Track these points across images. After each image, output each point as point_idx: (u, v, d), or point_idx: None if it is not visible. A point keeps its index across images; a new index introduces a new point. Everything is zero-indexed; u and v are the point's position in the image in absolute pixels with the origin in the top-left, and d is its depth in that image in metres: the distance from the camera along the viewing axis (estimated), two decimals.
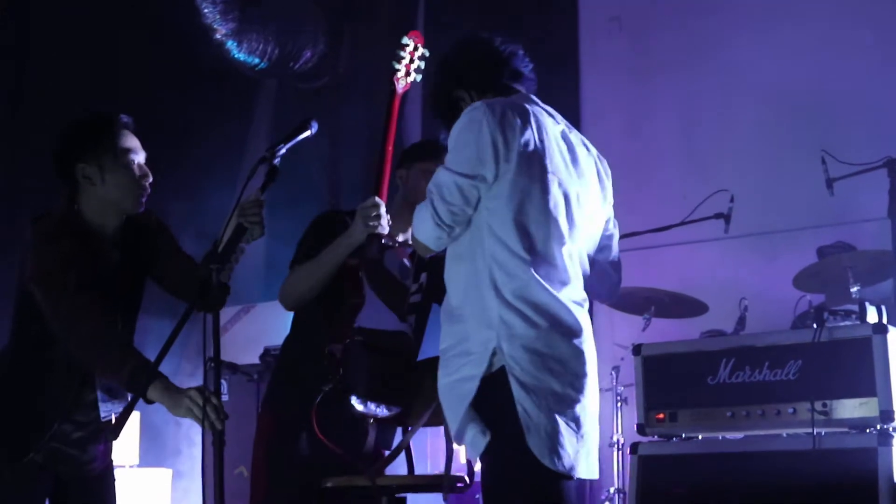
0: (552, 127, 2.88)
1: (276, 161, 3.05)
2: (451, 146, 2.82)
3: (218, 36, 6.64)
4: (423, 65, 3.45)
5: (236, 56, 6.80)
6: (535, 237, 2.75)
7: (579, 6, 7.14)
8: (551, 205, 2.77)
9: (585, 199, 2.91)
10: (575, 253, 2.86)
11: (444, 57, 3.11)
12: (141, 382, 2.93)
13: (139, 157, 3.24)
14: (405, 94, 3.44)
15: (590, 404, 2.81)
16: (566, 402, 2.72)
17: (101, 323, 3.06)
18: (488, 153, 2.74)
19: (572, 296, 2.81)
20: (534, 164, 2.76)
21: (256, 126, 7.45)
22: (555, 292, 2.75)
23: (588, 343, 2.82)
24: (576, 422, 2.73)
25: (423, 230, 2.83)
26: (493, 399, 2.72)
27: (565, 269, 2.79)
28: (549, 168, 2.79)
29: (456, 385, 2.76)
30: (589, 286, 2.99)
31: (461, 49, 3.09)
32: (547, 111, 2.97)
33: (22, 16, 6.16)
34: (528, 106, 2.86)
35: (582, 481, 5.59)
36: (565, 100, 6.73)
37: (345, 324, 3.26)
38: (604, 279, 3.09)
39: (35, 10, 6.21)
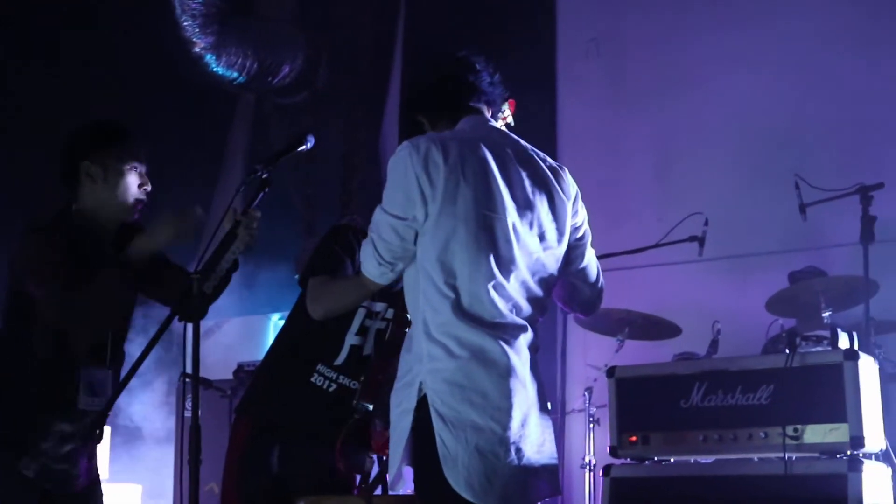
0: (491, 156, 2.84)
1: (266, 175, 3.10)
2: (386, 186, 2.86)
3: (197, 49, 6.64)
4: None
5: (215, 70, 6.80)
6: (459, 274, 2.77)
7: (558, 29, 7.17)
8: (477, 240, 2.77)
9: (530, 226, 2.87)
10: (513, 284, 2.83)
11: (412, 79, 3.13)
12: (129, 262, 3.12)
13: (141, 167, 3.37)
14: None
15: (527, 435, 2.79)
16: (486, 434, 2.73)
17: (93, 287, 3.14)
18: (415, 195, 2.77)
19: (504, 327, 2.80)
20: (458, 201, 2.77)
21: (234, 140, 7.44)
22: (479, 328, 2.76)
23: (520, 376, 2.79)
24: (495, 455, 2.73)
25: (367, 266, 2.90)
26: (417, 431, 2.76)
27: (493, 304, 2.78)
28: (478, 202, 2.78)
29: (398, 418, 2.82)
30: (562, 304, 3.02)
31: (425, 72, 3.12)
32: (498, 132, 2.97)
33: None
34: (463, 138, 2.86)
35: (552, 501, 5.63)
36: (543, 122, 6.78)
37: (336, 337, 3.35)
38: (575, 294, 3.09)
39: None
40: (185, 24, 6.51)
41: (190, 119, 6.80)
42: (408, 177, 2.78)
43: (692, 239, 5.27)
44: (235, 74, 6.92)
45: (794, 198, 4.94)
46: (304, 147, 3.21)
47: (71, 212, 3.33)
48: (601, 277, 3.13)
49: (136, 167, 3.35)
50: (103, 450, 5.79)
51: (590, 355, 6.00)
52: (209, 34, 6.63)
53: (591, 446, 5.54)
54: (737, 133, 6.34)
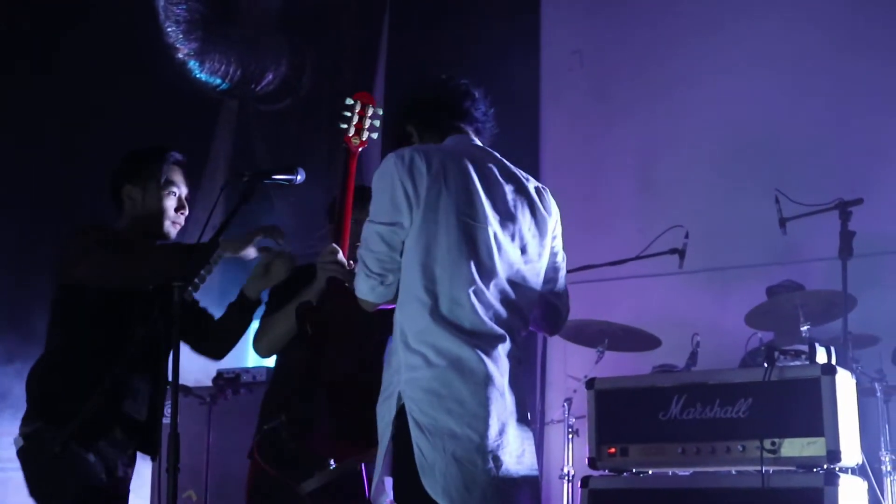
0: (473, 169, 2.90)
1: (248, 181, 3.25)
2: (372, 198, 2.91)
3: (180, 55, 6.62)
4: (377, 122, 3.52)
5: (198, 76, 6.78)
6: (439, 279, 2.80)
7: (542, 41, 7.20)
8: (459, 246, 2.82)
9: (511, 238, 2.93)
10: (493, 292, 2.87)
11: (404, 92, 3.22)
12: (211, 244, 3.19)
13: (180, 191, 3.55)
14: (362, 150, 3.49)
15: (506, 445, 2.81)
16: (463, 442, 2.74)
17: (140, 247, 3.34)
18: (401, 200, 2.83)
19: (483, 336, 2.82)
20: (440, 209, 2.82)
21: (217, 147, 7.42)
22: (457, 336, 2.78)
23: (497, 385, 2.81)
24: (473, 463, 2.74)
25: (359, 286, 2.93)
26: (396, 440, 2.79)
27: (473, 310, 2.81)
28: (461, 211, 2.84)
29: (382, 432, 2.85)
30: (534, 321, 3.05)
31: (417, 87, 3.19)
32: (482, 150, 3.03)
33: None
34: (446, 151, 2.93)
35: None
36: (525, 134, 6.80)
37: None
38: (549, 313, 3.13)
39: None
40: (169, 29, 6.49)
41: (172, 125, 6.77)
42: (393, 184, 2.84)
43: (673, 251, 5.29)
44: (219, 81, 6.90)
45: (774, 212, 4.97)
46: (293, 178, 3.34)
47: (111, 227, 3.48)
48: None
49: (174, 191, 3.52)
50: None
51: (569, 366, 6.02)
52: (192, 40, 6.61)
53: (570, 457, 5.54)
54: (718, 147, 6.38)
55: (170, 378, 2.92)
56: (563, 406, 5.63)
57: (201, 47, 6.67)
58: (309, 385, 3.23)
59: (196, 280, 3.22)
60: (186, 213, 3.56)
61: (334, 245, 3.31)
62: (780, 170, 5.93)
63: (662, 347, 5.54)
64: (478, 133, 3.11)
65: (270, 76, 7.18)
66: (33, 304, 5.33)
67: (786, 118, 6.20)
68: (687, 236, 5.22)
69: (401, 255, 2.86)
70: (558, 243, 3.12)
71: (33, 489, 3.27)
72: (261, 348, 3.57)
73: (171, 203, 3.51)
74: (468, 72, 3.25)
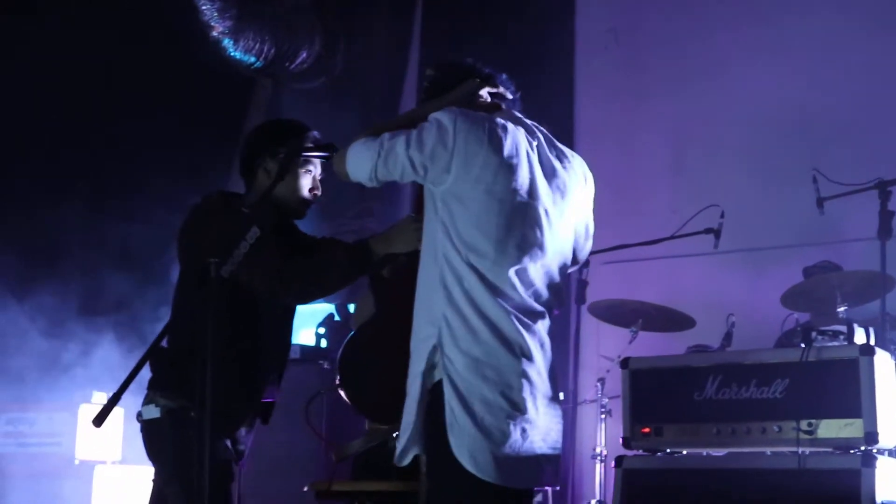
0: (526, 143, 2.90)
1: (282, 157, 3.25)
2: (419, 128, 2.85)
3: (214, 34, 6.62)
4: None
5: (232, 55, 6.79)
6: (485, 253, 2.79)
7: (577, 20, 7.16)
8: (509, 222, 2.81)
9: (559, 215, 2.93)
10: (537, 270, 2.87)
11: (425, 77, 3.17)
12: (366, 251, 3.18)
13: (316, 171, 3.46)
14: None
15: (536, 420, 2.81)
16: (495, 410, 2.75)
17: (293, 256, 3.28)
18: (441, 156, 2.79)
19: (524, 309, 2.82)
20: (498, 179, 2.80)
21: (249, 126, 7.43)
22: (499, 306, 2.78)
23: (534, 360, 2.82)
24: (502, 432, 2.75)
25: (359, 168, 2.90)
26: (428, 399, 2.79)
27: (514, 287, 2.81)
28: (516, 183, 2.82)
29: (411, 382, 2.83)
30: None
31: (451, 73, 3.11)
32: (527, 126, 3.00)
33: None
34: (503, 121, 2.90)
35: (562, 491, 5.63)
36: (560, 112, 6.77)
37: None
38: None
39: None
40: (204, 7, 6.49)
41: (205, 103, 6.79)
42: (444, 136, 2.80)
43: (708, 231, 5.25)
44: (253, 59, 6.90)
45: (811, 191, 4.90)
46: (329, 155, 3.29)
47: (240, 200, 3.38)
48: None
49: (310, 170, 3.44)
50: (116, 432, 5.84)
51: (603, 346, 5.99)
52: (227, 18, 6.61)
53: (603, 437, 5.54)
54: (754, 126, 6.32)
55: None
56: (596, 386, 5.62)
57: (236, 25, 6.67)
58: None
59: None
60: (319, 193, 3.48)
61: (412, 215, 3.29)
62: (817, 150, 5.85)
63: (697, 328, 5.50)
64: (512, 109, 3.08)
65: (304, 55, 7.17)
66: None
67: (823, 97, 6.13)
68: (723, 216, 5.18)
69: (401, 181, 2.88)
70: (590, 216, 3.13)
71: (161, 461, 3.30)
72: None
73: (305, 182, 3.44)
74: (503, 51, 3.22)
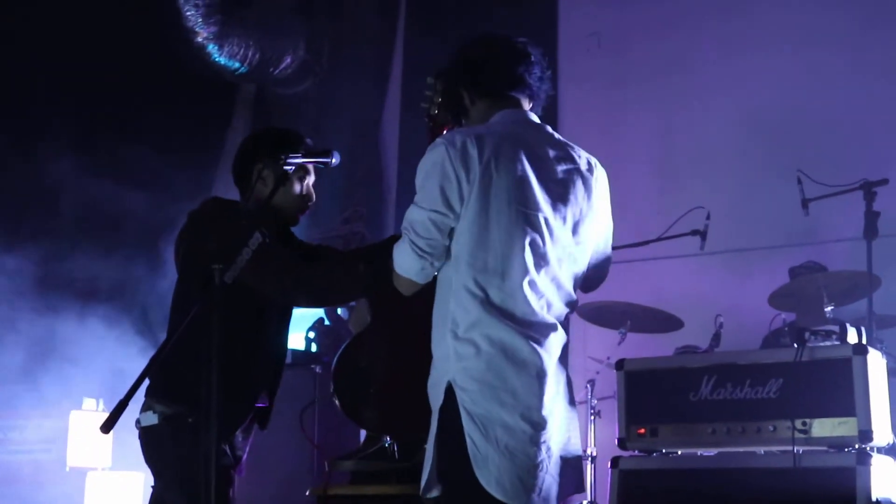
0: (525, 152, 2.85)
1: (287, 167, 3.24)
2: (419, 183, 2.84)
3: (199, 39, 6.62)
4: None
5: (217, 60, 6.78)
6: (492, 270, 2.76)
7: (559, 24, 7.18)
8: (511, 236, 2.78)
9: (563, 221, 2.89)
10: (546, 280, 2.84)
11: (458, 52, 3.08)
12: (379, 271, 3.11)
13: (310, 179, 3.51)
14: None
15: (554, 434, 2.81)
16: (517, 434, 2.74)
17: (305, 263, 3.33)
18: (452, 189, 2.76)
19: (536, 325, 2.80)
20: (492, 197, 2.77)
21: (234, 131, 7.43)
22: (509, 325, 2.76)
23: (550, 375, 2.80)
24: (526, 454, 2.74)
25: (409, 264, 2.83)
26: (446, 431, 2.77)
27: (526, 301, 2.78)
28: (513, 199, 2.79)
29: (432, 420, 2.82)
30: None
31: (471, 48, 3.06)
32: (534, 127, 2.97)
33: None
34: (497, 133, 2.85)
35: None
36: (544, 116, 6.78)
37: None
38: (595, 276, 3.12)
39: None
40: (188, 13, 6.49)
41: (190, 109, 6.78)
42: (445, 171, 2.78)
43: (694, 233, 5.30)
44: (237, 65, 6.91)
45: (797, 192, 4.96)
46: (328, 161, 3.30)
47: (236, 206, 3.41)
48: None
49: (304, 178, 3.48)
50: (106, 438, 5.81)
51: (590, 348, 6.01)
52: (211, 24, 6.62)
53: (593, 438, 5.56)
54: (738, 127, 6.36)
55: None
56: (586, 387, 5.64)
57: (220, 31, 6.67)
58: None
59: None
60: (314, 200, 3.52)
61: None
62: (802, 150, 5.90)
63: (684, 329, 5.54)
64: (531, 98, 3.03)
65: (289, 59, 7.18)
66: None
67: (807, 98, 6.18)
68: (708, 217, 5.22)
69: (449, 240, 2.80)
70: (608, 214, 3.09)
71: (160, 467, 3.32)
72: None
73: (304, 189, 3.48)
74: None
